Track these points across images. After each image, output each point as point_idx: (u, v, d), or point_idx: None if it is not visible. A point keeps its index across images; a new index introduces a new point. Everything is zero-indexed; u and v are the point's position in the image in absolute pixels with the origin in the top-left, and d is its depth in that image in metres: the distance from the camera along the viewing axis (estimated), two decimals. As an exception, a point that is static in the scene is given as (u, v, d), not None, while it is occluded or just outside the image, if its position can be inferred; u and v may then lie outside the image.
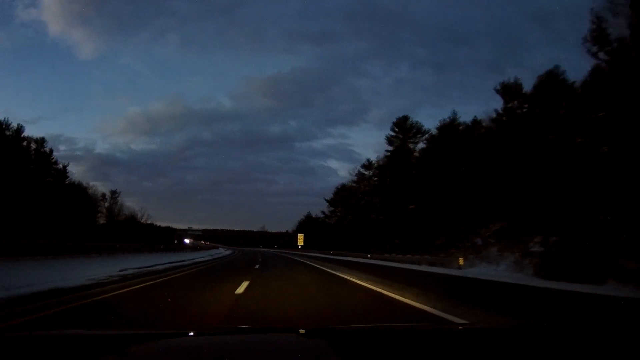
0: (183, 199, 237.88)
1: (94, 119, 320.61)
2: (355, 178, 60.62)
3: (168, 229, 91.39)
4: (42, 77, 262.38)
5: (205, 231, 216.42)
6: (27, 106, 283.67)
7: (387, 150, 50.74)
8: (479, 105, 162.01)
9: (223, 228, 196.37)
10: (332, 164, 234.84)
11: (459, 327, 3.07)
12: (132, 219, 67.99)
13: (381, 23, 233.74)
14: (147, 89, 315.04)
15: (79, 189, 50.91)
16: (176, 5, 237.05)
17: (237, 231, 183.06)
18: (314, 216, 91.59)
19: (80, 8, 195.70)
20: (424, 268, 23.00)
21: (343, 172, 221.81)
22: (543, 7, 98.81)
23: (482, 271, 19.09)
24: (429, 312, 6.29)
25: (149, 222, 73.23)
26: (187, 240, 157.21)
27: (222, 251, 68.93)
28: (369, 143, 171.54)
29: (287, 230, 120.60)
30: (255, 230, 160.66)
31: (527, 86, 28.73)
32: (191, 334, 1.89)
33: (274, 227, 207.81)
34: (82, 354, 1.42)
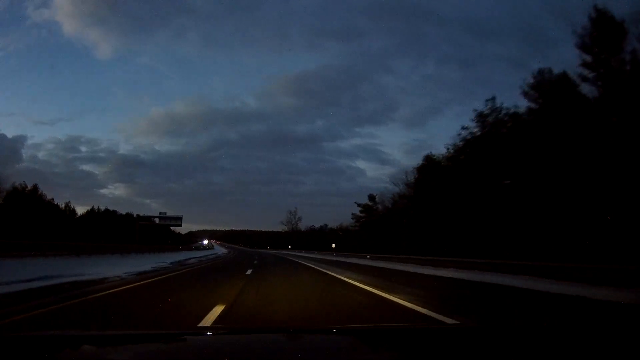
0: (209, 201, 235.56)
1: (115, 119, 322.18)
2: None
3: (129, 217, 62.51)
4: (58, 78, 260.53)
5: (230, 232, 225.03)
6: (44, 107, 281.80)
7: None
8: (505, 103, 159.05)
9: (250, 229, 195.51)
10: (360, 164, 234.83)
11: (451, 327, 3.63)
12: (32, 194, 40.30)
13: (405, 18, 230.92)
14: (169, 89, 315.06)
15: None
16: (195, 3, 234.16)
17: (264, 232, 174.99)
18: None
19: (94, 8, 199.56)
20: None
21: (371, 172, 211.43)
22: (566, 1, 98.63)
23: None
24: None
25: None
26: (205, 242, 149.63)
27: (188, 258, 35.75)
28: (397, 143, 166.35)
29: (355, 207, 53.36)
30: (282, 230, 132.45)
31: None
32: (191, 334, 1.98)
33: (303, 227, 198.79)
34: (81, 354, 1.42)
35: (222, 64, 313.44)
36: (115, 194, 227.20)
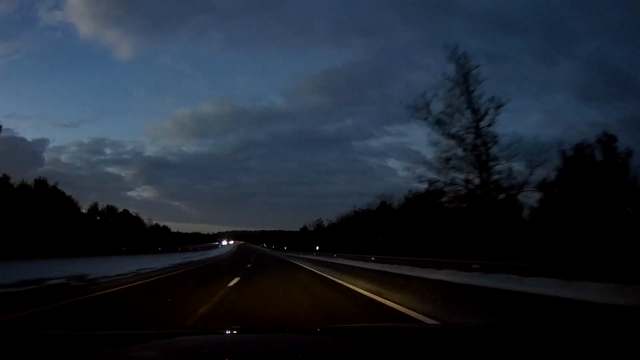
0: (239, 202, 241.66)
1: (139, 121, 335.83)
2: None
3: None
4: (78, 80, 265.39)
5: (262, 232, 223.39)
6: (64, 110, 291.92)
7: None
8: (532, 100, 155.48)
9: (281, 229, 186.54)
10: (391, 163, 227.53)
11: (433, 327, 3.72)
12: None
13: (430, 11, 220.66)
14: (193, 89, 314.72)
15: None
16: (214, 1, 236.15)
17: (294, 232, 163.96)
18: None
19: (109, 8, 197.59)
20: None
21: (403, 172, 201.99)
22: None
23: None
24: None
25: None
26: (224, 242, 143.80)
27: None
28: (427, 141, 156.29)
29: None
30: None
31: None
32: (191, 333, 2.10)
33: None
34: (81, 354, 1.42)
35: (246, 63, 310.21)
36: (144, 197, 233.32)
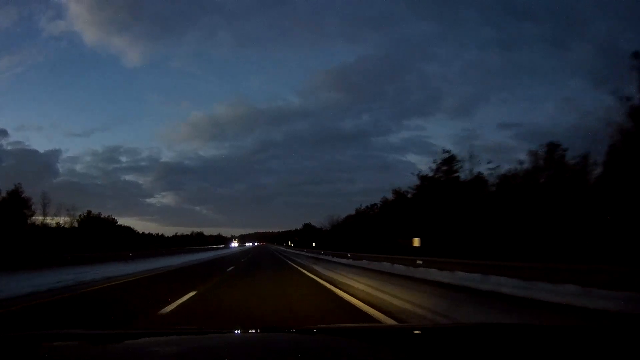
0: (261, 203, 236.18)
1: (154, 127, 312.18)
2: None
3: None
4: (87, 88, 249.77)
5: (285, 232, 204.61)
6: (75, 119, 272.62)
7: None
8: (545, 89, 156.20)
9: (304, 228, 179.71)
10: (411, 158, 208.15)
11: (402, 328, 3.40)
12: None
13: (441, 1, 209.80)
14: (207, 91, 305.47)
15: None
16: (221, 1, 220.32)
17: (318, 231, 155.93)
18: None
19: (114, 14, 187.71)
20: None
21: (423, 166, 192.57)
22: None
23: None
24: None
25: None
26: (234, 244, 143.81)
27: None
28: (446, 134, 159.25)
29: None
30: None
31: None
32: (190, 333, 1.97)
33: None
34: (81, 353, 1.42)
35: (258, 62, 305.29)
36: (164, 203, 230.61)
